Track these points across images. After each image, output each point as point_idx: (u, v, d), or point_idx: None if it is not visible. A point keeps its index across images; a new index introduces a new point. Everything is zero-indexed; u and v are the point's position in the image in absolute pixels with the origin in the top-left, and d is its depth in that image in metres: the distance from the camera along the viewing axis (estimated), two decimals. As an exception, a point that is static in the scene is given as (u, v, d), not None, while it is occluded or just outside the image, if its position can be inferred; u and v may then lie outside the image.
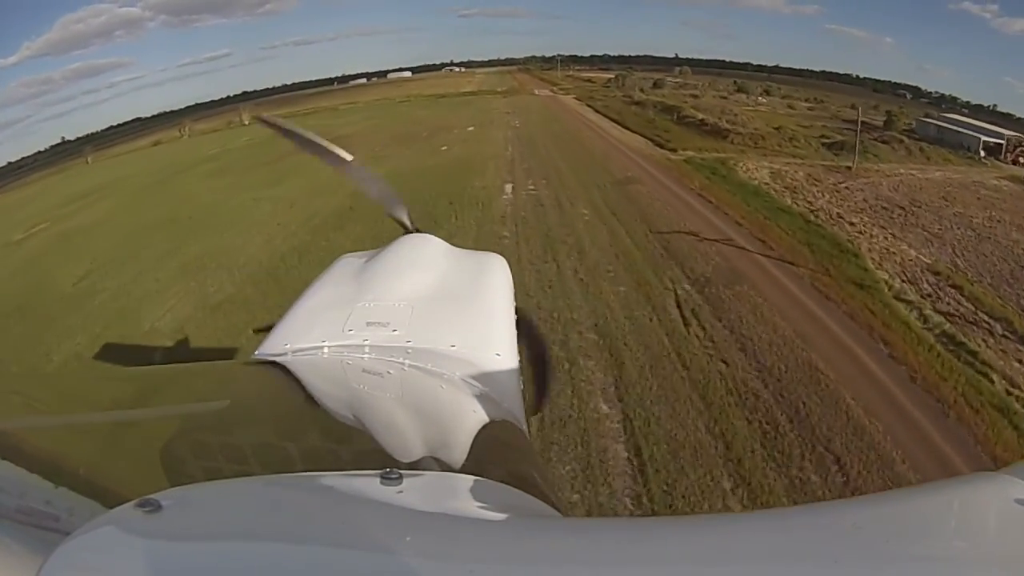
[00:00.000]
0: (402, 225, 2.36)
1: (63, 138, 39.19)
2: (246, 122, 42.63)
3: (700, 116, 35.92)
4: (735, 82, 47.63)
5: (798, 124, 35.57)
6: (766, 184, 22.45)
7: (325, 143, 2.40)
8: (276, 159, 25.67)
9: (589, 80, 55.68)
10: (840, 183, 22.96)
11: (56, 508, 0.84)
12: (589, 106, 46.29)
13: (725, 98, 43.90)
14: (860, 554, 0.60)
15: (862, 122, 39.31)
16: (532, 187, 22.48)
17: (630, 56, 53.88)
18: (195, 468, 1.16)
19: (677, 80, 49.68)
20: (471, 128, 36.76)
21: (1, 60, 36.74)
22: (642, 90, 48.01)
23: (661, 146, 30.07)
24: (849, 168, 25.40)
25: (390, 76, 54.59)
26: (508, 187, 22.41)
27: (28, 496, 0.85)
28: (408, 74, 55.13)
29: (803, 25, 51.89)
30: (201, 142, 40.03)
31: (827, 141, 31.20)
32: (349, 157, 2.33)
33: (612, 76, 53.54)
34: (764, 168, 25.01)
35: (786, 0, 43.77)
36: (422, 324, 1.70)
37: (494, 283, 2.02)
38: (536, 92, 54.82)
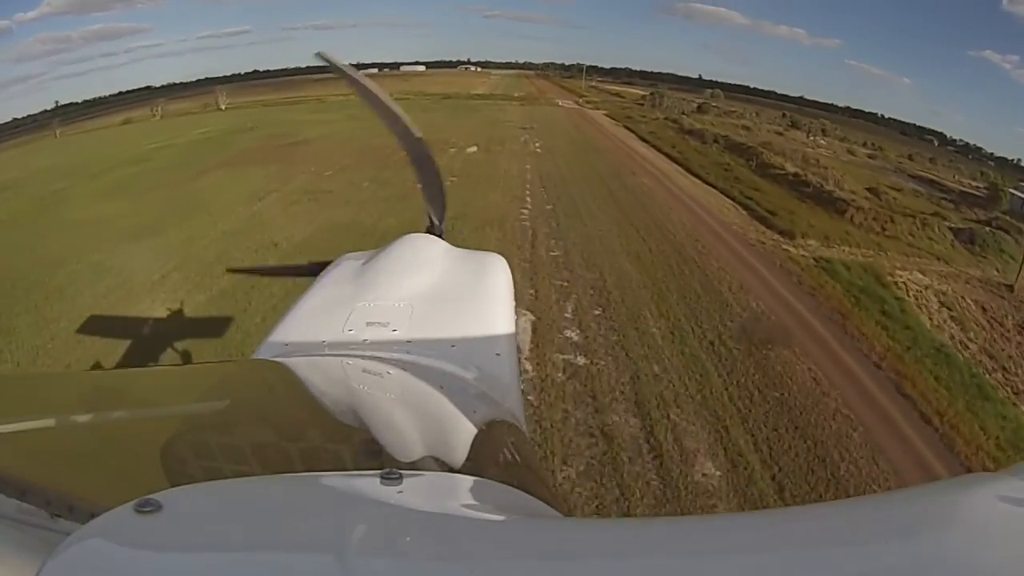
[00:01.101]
0: (430, 219, 2.30)
1: (57, 102, 38.48)
2: (222, 107, 39.90)
3: (791, 169, 27.23)
4: (784, 114, 42.07)
5: (891, 186, 28.89)
6: (963, 343, 13.78)
7: (398, 109, 2.15)
8: (196, 175, 20.95)
9: (617, 94, 50.35)
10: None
11: (56, 508, 0.81)
12: (630, 129, 38.43)
13: (781, 134, 38.20)
14: (860, 554, 0.60)
15: (951, 189, 32.36)
16: (574, 332, 10.33)
17: (652, 72, 50.64)
18: (195, 468, 1.14)
19: (716, 105, 44.20)
20: (473, 149, 27.24)
21: (21, 14, 36.26)
22: (684, 113, 42.44)
23: (766, 222, 19.32)
24: (1010, 288, 18.60)
25: (403, 69, 51.58)
26: (525, 324, 10.25)
27: (28, 496, 0.83)
28: (422, 68, 52.14)
29: (822, 58, 51.24)
30: (160, 128, 35.46)
31: (952, 226, 23.81)
32: (419, 133, 2.14)
33: (645, 93, 48.19)
34: (928, 290, 16.55)
35: (808, 32, 42.94)
36: (422, 324, 1.67)
37: (494, 283, 1.95)
38: (560, 103, 47.91)
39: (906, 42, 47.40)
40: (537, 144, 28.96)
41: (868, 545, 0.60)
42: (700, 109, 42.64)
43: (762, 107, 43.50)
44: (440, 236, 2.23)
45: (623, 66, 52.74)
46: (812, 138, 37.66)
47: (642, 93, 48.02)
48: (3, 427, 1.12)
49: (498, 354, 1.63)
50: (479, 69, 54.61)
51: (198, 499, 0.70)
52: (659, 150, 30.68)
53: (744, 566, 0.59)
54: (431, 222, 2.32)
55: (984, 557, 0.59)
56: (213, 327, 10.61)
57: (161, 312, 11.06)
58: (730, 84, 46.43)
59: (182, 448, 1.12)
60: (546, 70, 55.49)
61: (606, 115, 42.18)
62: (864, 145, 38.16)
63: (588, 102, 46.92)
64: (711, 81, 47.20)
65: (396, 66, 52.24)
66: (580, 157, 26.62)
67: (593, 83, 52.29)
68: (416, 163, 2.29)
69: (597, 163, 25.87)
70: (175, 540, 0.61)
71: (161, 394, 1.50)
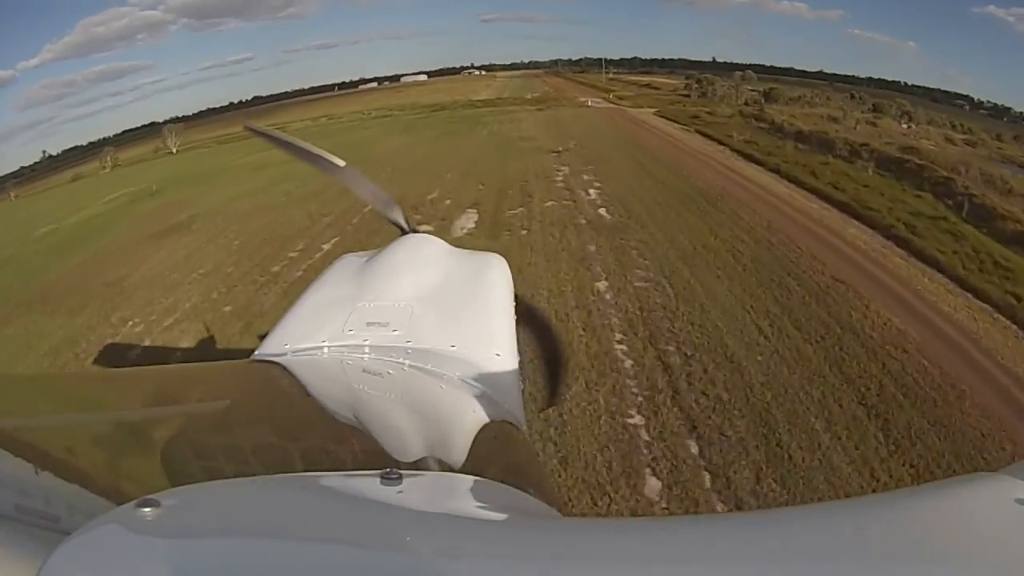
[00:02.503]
0: (399, 227, 2.69)
1: (44, 152, 43.64)
2: (173, 150, 43.86)
3: (1008, 209, 18.56)
4: (853, 95, 41.74)
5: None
6: None
7: (315, 150, 2.68)
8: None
9: (648, 86, 49.76)
10: None
11: (56, 508, 0.94)
12: (711, 138, 29.65)
13: (874, 124, 35.43)
14: (860, 554, 0.69)
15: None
16: None
17: (665, 59, 53.89)
18: (195, 468, 1.31)
19: (768, 90, 42.30)
20: (468, 221, 16.60)
21: (24, 62, 42.03)
22: (748, 103, 40.11)
23: None
24: None
25: (403, 80, 57.47)
26: None
27: (28, 496, 0.96)
28: (423, 77, 57.79)
29: (826, 30, 57.79)
30: (93, 188, 35.85)
31: None
32: (341, 163, 2.63)
33: (678, 82, 47.85)
34: None
35: (809, 6, 46.54)
36: (422, 324, 1.92)
37: (494, 283, 2.26)
38: (588, 102, 44.67)
39: (908, 5, 51.30)
40: (592, 188, 18.13)
41: (868, 545, 0.69)
42: (768, 97, 39.60)
43: (800, 87, 43.30)
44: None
45: (632, 56, 55.04)
46: (908, 126, 35.85)
47: (672, 82, 47.87)
48: (3, 427, 1.32)
49: (498, 354, 1.87)
50: (483, 72, 57.48)
51: (198, 499, 0.81)
52: (796, 182, 20.66)
53: (744, 566, 0.68)
54: (400, 228, 2.66)
55: (985, 557, 0.68)
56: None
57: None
58: (745, 64, 47.75)
59: (182, 448, 1.31)
60: (555, 67, 57.45)
61: (659, 115, 37.15)
62: (952, 127, 36.30)
63: (620, 98, 44.66)
64: (726, 63, 48.52)
65: (397, 78, 56.85)
66: (691, 223, 15.03)
67: (612, 75, 52.91)
68: (354, 189, 2.72)
69: (739, 242, 13.72)
70: (175, 540, 0.71)
71: (161, 394, 1.74)
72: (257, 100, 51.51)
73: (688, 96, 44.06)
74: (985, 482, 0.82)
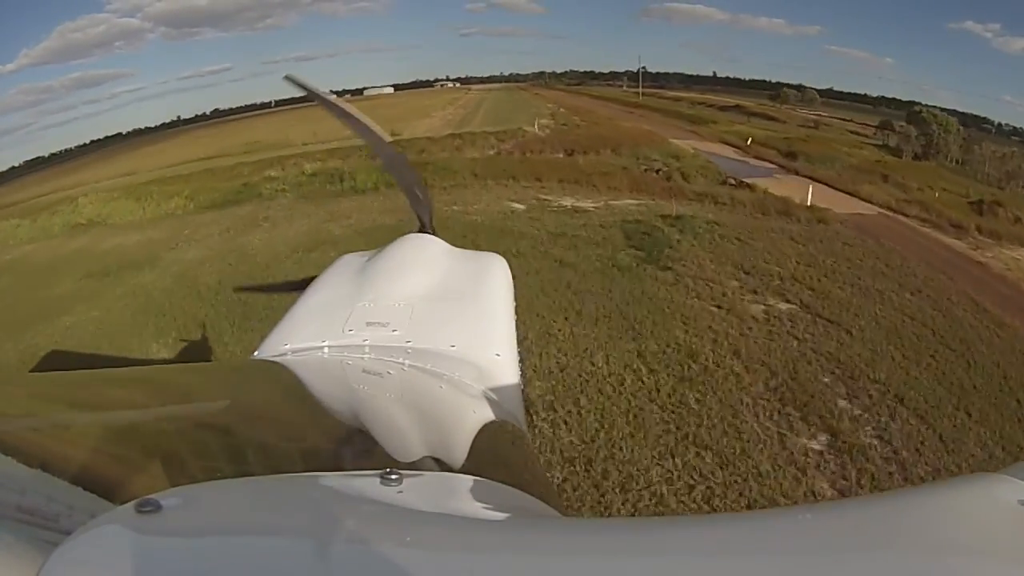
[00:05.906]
0: (420, 222, 2.71)
1: None
2: None
3: None
4: None
5: None
6: None
7: (366, 121, 2.71)
8: None
9: (738, 108, 41.31)
10: None
11: (56, 508, 0.95)
12: None
13: None
14: (860, 554, 0.70)
15: None
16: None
17: (661, 73, 51.25)
18: (195, 468, 1.32)
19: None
20: None
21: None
22: None
23: None
24: None
25: (367, 92, 56.29)
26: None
27: (28, 496, 0.97)
28: (389, 90, 56.81)
29: (804, 46, 58.42)
30: None
31: None
32: (388, 138, 2.70)
33: (882, 120, 35.82)
34: None
35: (787, 21, 46.66)
36: (422, 324, 1.95)
37: (494, 283, 2.29)
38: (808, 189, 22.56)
39: (885, 21, 51.61)
40: None
41: (868, 546, 0.70)
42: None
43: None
44: (433, 235, 2.60)
45: (623, 69, 52.51)
46: None
47: (747, 104, 39.77)
48: (3, 427, 1.33)
49: (498, 354, 1.92)
50: (458, 85, 54.71)
51: (198, 499, 0.81)
52: None
53: (744, 566, 0.69)
54: (421, 224, 2.72)
55: (986, 556, 0.69)
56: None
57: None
58: (746, 80, 46.61)
59: (182, 448, 1.32)
60: (539, 79, 53.41)
61: None
62: None
63: (791, 155, 27.97)
64: (728, 78, 46.98)
65: (360, 91, 56.25)
66: None
67: (625, 87, 47.61)
68: (392, 170, 2.76)
69: None
70: (175, 540, 0.72)
71: (161, 394, 1.75)
72: (217, 112, 51.71)
73: (888, 147, 31.81)
74: (986, 483, 0.84)
